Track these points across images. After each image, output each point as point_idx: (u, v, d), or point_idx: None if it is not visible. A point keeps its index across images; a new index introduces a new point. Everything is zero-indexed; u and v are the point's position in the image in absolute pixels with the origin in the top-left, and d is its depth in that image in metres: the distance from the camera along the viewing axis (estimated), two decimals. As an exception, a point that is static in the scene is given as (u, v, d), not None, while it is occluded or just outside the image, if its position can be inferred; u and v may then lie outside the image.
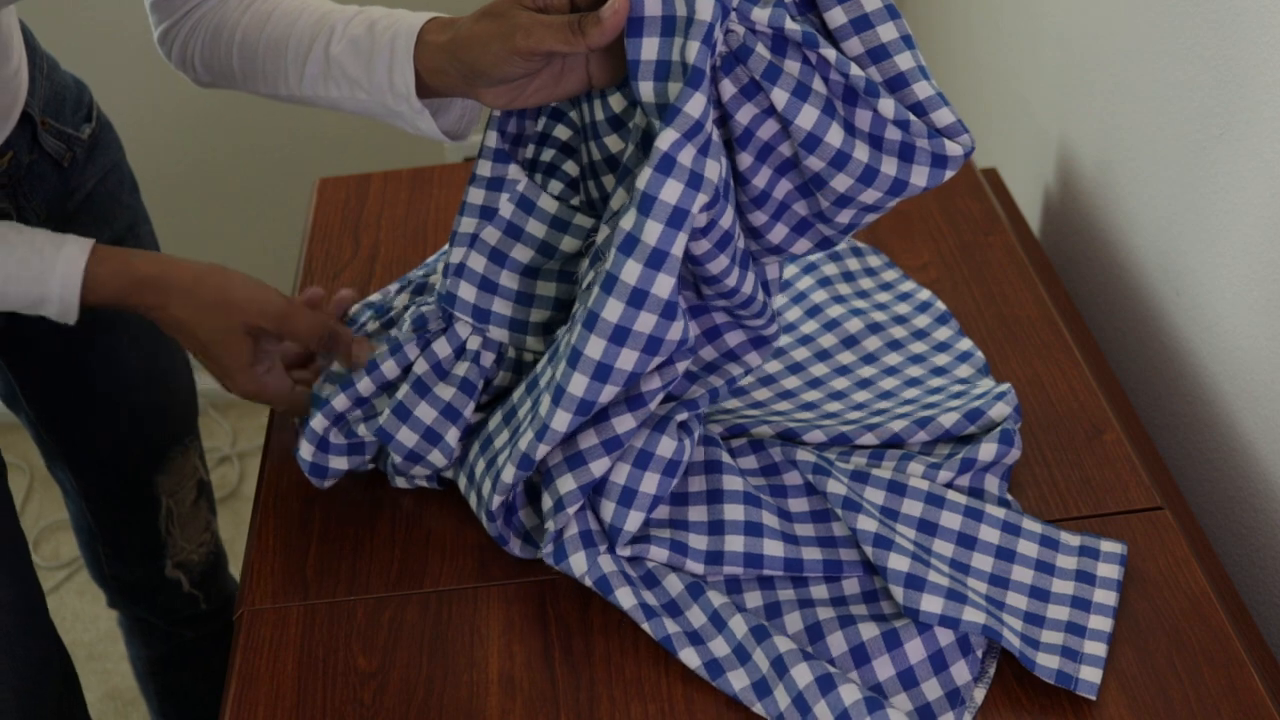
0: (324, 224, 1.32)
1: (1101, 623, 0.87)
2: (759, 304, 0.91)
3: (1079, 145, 1.31)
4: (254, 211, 2.25)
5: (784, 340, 1.12)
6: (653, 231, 0.81)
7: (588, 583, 0.89)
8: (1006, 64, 1.52)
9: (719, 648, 0.86)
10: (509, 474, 0.89)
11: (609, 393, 0.85)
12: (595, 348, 0.84)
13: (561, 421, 0.86)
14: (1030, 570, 0.90)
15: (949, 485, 0.96)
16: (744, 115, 0.85)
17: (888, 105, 0.83)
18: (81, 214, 1.14)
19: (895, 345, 1.11)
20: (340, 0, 1.62)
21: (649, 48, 0.82)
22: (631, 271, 0.81)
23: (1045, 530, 0.93)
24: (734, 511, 0.91)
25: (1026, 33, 1.43)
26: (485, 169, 0.96)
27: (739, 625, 0.86)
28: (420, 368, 0.96)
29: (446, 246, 1.23)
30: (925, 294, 1.16)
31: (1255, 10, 0.95)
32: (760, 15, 0.82)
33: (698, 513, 0.92)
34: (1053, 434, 1.02)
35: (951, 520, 0.92)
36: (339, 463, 1.00)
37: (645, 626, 0.88)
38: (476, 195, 0.97)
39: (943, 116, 0.85)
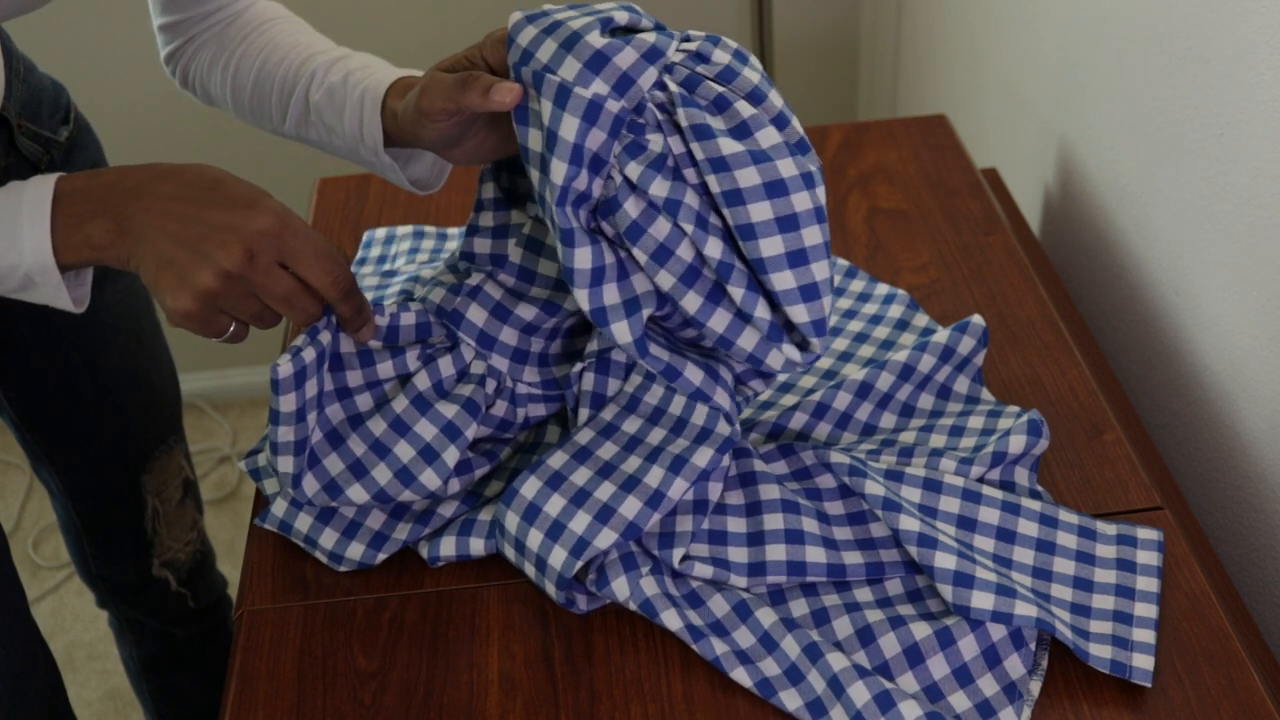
0: (324, 224, 1.32)
1: (1147, 609, 0.88)
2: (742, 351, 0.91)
3: (1079, 145, 1.31)
4: (254, 211, 2.25)
5: None
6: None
7: (632, 607, 0.88)
8: (1007, 64, 1.52)
9: (770, 668, 0.85)
10: (605, 539, 0.87)
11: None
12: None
13: (679, 490, 0.88)
14: (1071, 561, 0.91)
15: (981, 480, 0.96)
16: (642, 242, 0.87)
17: (738, 293, 0.85)
18: None
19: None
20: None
21: (534, 138, 0.84)
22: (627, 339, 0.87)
23: (1082, 521, 0.93)
24: (774, 521, 0.91)
25: (1027, 32, 1.43)
26: (488, 219, 0.96)
27: (791, 646, 0.85)
28: (421, 383, 0.94)
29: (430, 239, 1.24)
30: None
31: (1255, 10, 0.95)
32: (633, 171, 0.83)
33: (736, 524, 0.91)
34: (1053, 434, 1.02)
35: (990, 515, 0.92)
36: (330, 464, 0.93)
37: (695, 647, 0.87)
38: (483, 245, 0.96)
39: (798, 314, 0.85)
